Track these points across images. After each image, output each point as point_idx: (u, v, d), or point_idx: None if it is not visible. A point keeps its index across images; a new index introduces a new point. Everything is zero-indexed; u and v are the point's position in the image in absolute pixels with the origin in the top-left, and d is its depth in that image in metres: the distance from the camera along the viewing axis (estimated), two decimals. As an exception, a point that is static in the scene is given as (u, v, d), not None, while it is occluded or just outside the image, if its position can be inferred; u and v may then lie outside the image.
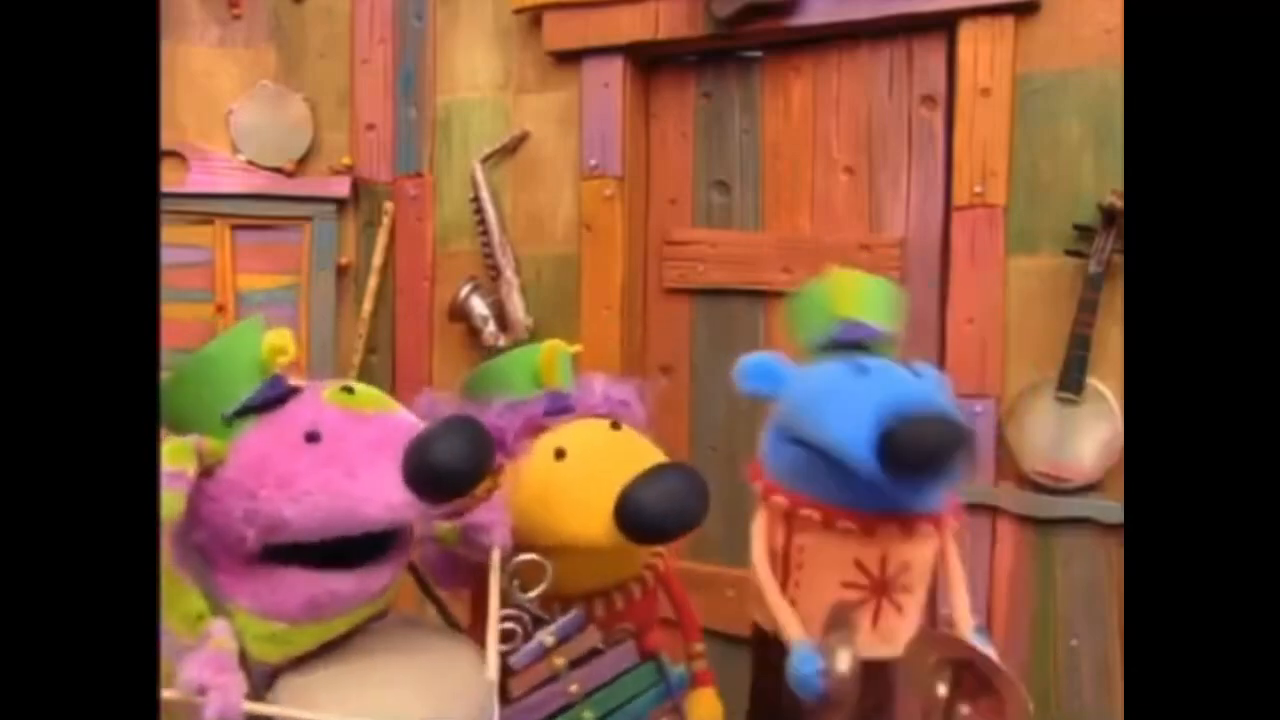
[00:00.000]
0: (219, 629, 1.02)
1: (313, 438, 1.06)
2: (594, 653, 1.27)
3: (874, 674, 1.15)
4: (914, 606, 1.23)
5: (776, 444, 1.27)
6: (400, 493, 1.04)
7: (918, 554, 1.21)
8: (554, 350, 1.39)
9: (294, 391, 1.13)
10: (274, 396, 1.10)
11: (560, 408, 1.36)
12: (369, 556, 1.11)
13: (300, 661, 1.11)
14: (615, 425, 1.34)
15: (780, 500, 1.24)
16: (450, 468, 1.05)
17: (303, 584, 1.07)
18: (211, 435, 1.06)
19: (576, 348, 1.50)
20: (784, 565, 1.26)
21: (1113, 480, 1.81)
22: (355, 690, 1.08)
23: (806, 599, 1.23)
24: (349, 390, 1.14)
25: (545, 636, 1.23)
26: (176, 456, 0.99)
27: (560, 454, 1.28)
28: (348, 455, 1.05)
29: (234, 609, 1.06)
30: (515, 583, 1.24)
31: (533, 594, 1.23)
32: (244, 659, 1.03)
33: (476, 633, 1.23)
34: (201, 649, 0.99)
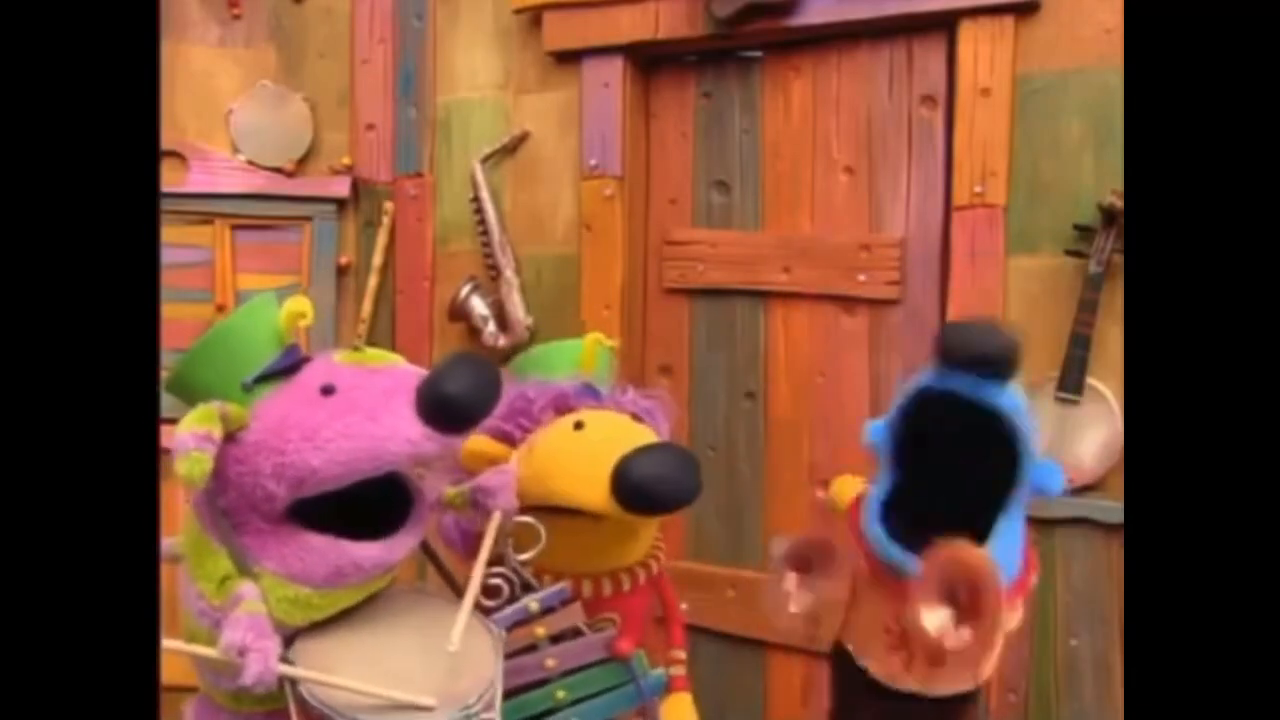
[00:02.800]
0: (249, 591, 1.08)
1: (328, 390, 1.13)
2: (575, 633, 1.31)
3: (903, 697, 1.22)
4: (954, 665, 1.21)
5: None
6: (418, 428, 1.10)
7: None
8: (596, 342, 1.48)
9: (308, 360, 1.20)
10: (290, 364, 1.17)
11: (591, 396, 1.42)
12: (391, 525, 1.17)
13: (316, 627, 1.15)
14: (636, 419, 1.40)
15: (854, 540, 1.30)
16: (462, 396, 1.11)
17: (329, 551, 1.12)
18: (235, 403, 1.11)
19: (616, 341, 1.55)
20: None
21: (1113, 480, 1.81)
22: (371, 657, 1.12)
23: (859, 622, 1.30)
24: (358, 349, 1.23)
25: (530, 602, 1.27)
26: (203, 420, 1.04)
27: (579, 425, 1.34)
28: (364, 402, 1.11)
29: (260, 571, 1.11)
30: (510, 543, 1.28)
31: (525, 556, 1.27)
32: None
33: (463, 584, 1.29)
34: (239, 612, 1.04)
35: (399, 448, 1.10)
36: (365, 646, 1.15)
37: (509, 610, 1.26)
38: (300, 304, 1.20)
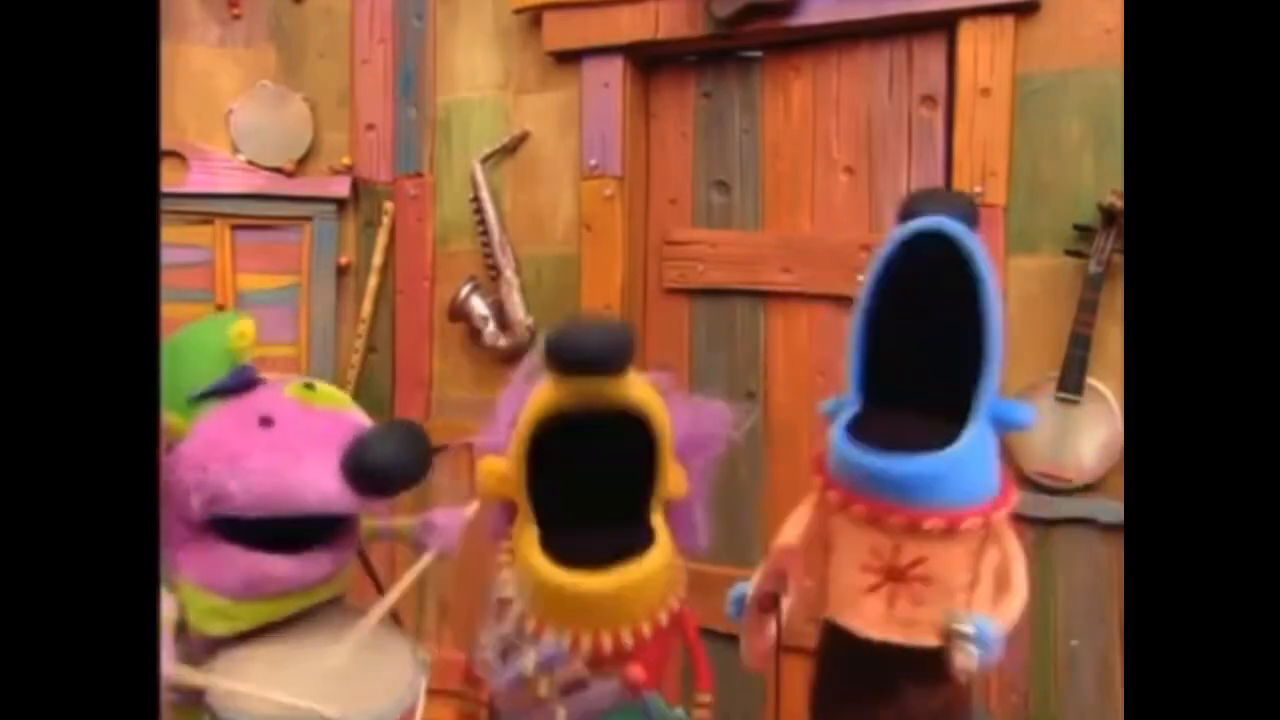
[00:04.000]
0: (165, 605, 1.08)
1: (266, 422, 1.14)
2: (581, 684, 1.24)
3: (888, 656, 1.19)
4: (937, 599, 1.22)
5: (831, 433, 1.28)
6: (336, 483, 1.11)
7: (935, 551, 1.21)
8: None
9: (259, 383, 1.21)
10: (239, 383, 1.18)
11: None
12: (310, 543, 1.18)
13: (242, 640, 1.17)
14: None
15: (817, 480, 1.27)
16: (384, 467, 1.11)
17: (242, 562, 1.13)
18: (177, 414, 1.14)
19: None
20: (824, 546, 1.30)
21: (1113, 480, 1.81)
22: (282, 669, 1.13)
23: (836, 578, 1.27)
24: (310, 386, 1.22)
25: (526, 662, 1.21)
26: None
27: None
28: (295, 442, 1.12)
29: (180, 582, 1.14)
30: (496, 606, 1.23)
31: (506, 630, 1.22)
32: (187, 630, 1.12)
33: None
34: None
35: (313, 498, 1.11)
36: (287, 661, 1.15)
37: (508, 673, 1.20)
38: (243, 325, 1.20)
